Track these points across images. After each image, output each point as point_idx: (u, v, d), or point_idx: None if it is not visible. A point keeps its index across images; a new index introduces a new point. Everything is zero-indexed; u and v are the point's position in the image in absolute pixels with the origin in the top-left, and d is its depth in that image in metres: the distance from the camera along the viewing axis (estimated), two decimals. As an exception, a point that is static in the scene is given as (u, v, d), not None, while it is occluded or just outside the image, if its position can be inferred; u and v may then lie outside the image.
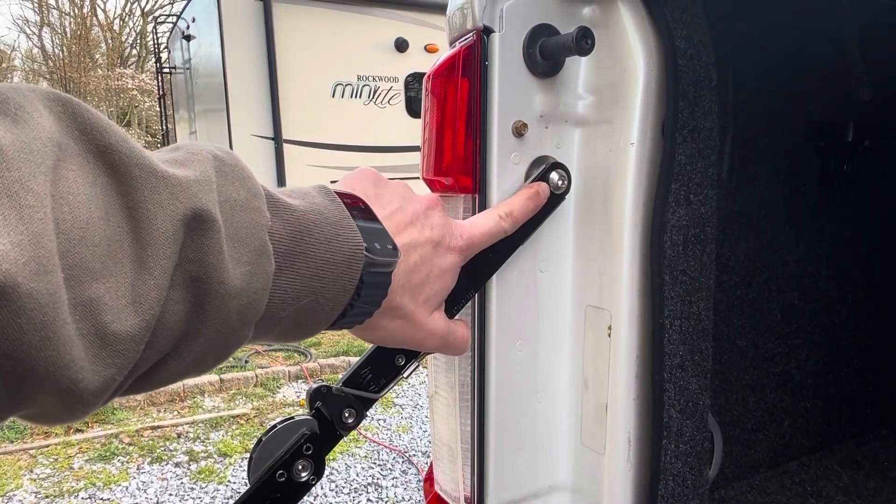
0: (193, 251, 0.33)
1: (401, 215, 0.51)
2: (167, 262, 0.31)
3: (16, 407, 0.28)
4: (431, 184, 0.79)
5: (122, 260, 0.30)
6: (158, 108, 9.00)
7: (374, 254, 0.44)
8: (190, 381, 4.13)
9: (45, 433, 3.60)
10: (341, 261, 0.42)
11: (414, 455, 3.44)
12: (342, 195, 0.45)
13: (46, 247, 0.26)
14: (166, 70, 7.61)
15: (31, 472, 3.33)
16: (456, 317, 0.62)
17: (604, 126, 0.75)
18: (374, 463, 3.37)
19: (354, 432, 3.18)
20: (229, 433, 3.75)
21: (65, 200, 0.28)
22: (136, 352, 0.31)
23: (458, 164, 0.72)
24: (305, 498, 0.70)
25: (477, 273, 0.63)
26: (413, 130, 5.77)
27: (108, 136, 0.31)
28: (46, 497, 3.10)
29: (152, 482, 3.23)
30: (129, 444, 3.62)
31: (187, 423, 3.86)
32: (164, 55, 7.88)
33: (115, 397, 0.33)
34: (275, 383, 4.40)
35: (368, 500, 3.03)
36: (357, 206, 0.46)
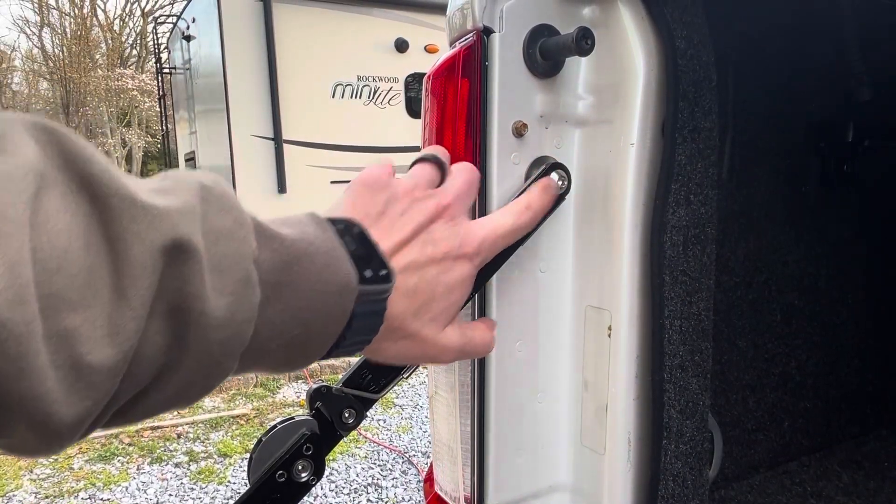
0: (174, 281, 0.32)
1: (399, 234, 0.49)
2: (146, 293, 0.31)
3: None
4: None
5: (101, 290, 0.29)
6: (158, 109, 9.00)
7: (365, 283, 0.42)
8: (190, 382, 4.12)
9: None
10: (332, 292, 0.41)
11: (414, 455, 3.44)
12: (336, 221, 0.44)
13: (22, 276, 0.25)
14: (166, 70, 7.61)
15: (31, 472, 3.33)
16: (456, 317, 0.61)
17: (604, 126, 0.75)
18: (374, 463, 3.37)
19: (354, 433, 3.18)
20: (229, 433, 3.75)
21: (44, 230, 0.27)
22: (112, 384, 0.30)
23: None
24: (305, 498, 0.70)
25: (480, 272, 0.63)
26: (413, 131, 5.77)
27: (92, 165, 0.30)
28: (46, 497, 3.10)
29: (152, 482, 3.23)
30: (129, 445, 3.62)
31: (187, 424, 3.86)
32: (164, 55, 7.88)
33: (94, 430, 0.32)
34: (275, 383, 4.40)
35: (368, 500, 3.03)
36: (351, 232, 0.44)
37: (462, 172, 0.57)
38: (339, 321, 0.42)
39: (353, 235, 0.44)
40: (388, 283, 0.44)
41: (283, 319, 0.39)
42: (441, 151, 0.58)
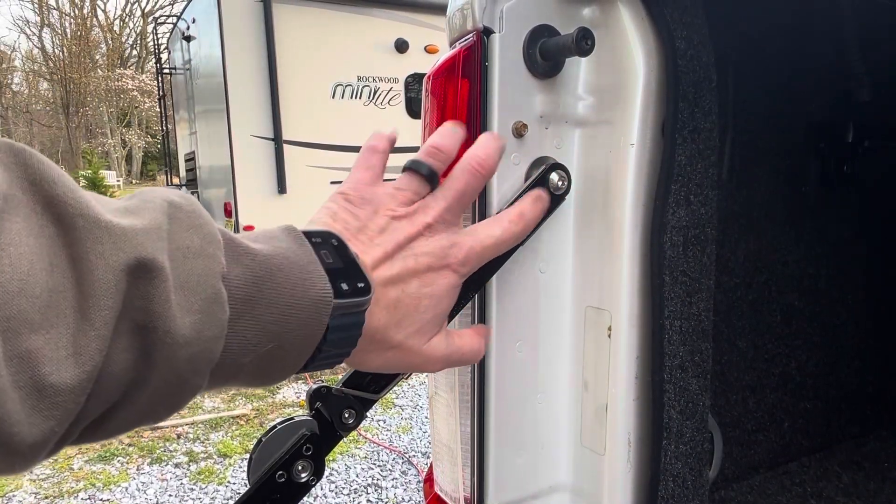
0: (138, 300, 0.32)
1: (379, 250, 0.48)
2: (109, 313, 0.31)
3: None
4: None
5: (65, 311, 0.29)
6: (159, 109, 9.00)
7: (342, 296, 0.42)
8: (190, 382, 4.12)
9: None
10: (305, 305, 0.40)
11: (414, 456, 3.44)
12: (313, 234, 0.44)
13: None
14: (166, 71, 7.61)
15: (31, 472, 3.32)
16: (455, 318, 0.61)
17: (604, 127, 0.75)
18: (374, 464, 3.37)
19: (354, 433, 3.18)
20: (229, 434, 3.75)
21: (6, 253, 0.28)
22: (76, 403, 0.30)
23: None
24: (305, 498, 0.70)
25: (477, 275, 0.63)
26: (413, 131, 5.76)
27: (56, 186, 0.31)
28: (46, 498, 3.10)
29: (152, 483, 3.23)
30: (129, 445, 3.62)
31: (187, 424, 3.86)
32: (164, 56, 7.88)
33: (61, 448, 0.32)
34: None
35: (368, 500, 3.03)
36: (328, 244, 0.44)
37: (460, 178, 0.55)
38: (315, 334, 0.42)
39: (330, 248, 0.44)
40: (366, 295, 0.44)
41: (255, 334, 0.39)
42: (447, 139, 0.55)
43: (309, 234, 0.44)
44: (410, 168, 0.55)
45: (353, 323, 0.44)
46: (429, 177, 0.54)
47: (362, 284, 0.44)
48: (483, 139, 0.58)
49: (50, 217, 0.30)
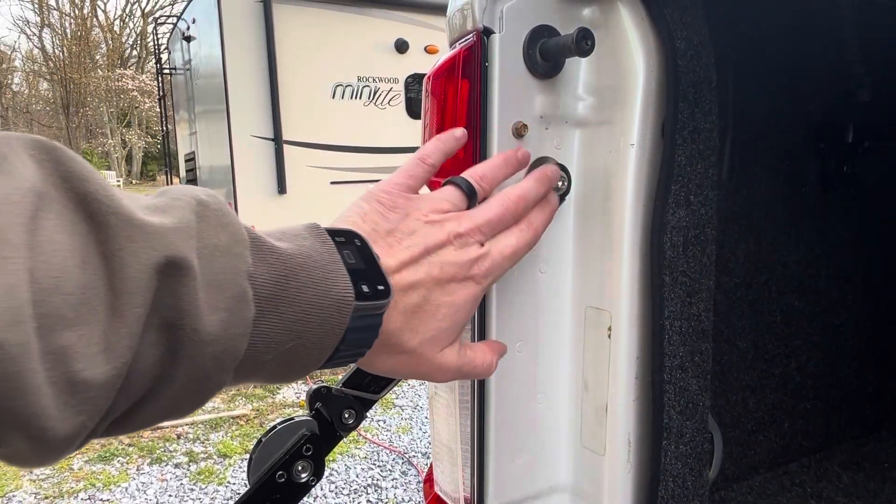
0: (168, 297, 0.33)
1: (406, 253, 0.48)
2: (140, 310, 0.31)
3: None
4: (431, 185, 0.79)
5: (96, 307, 0.30)
6: (159, 109, 9.01)
7: (362, 298, 0.42)
8: (190, 382, 4.12)
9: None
10: (327, 305, 0.41)
11: (414, 456, 3.44)
12: (336, 233, 0.44)
13: (19, 297, 0.26)
14: (166, 71, 7.60)
15: (31, 472, 3.32)
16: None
17: (604, 127, 0.75)
18: (374, 464, 3.37)
19: (354, 433, 3.18)
20: (229, 434, 3.75)
21: (41, 250, 0.28)
22: (107, 398, 0.31)
23: (458, 165, 0.72)
24: (305, 499, 0.70)
25: None
26: (413, 131, 5.77)
27: (89, 184, 0.31)
28: (46, 498, 3.10)
29: (152, 483, 3.23)
30: (129, 445, 3.62)
31: (187, 424, 3.85)
32: (164, 56, 7.88)
33: (88, 441, 0.33)
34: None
35: (368, 501, 3.02)
36: (352, 244, 0.44)
37: (497, 207, 0.55)
38: (335, 334, 0.42)
39: (353, 248, 0.44)
40: (385, 298, 0.44)
41: (278, 332, 0.39)
42: (496, 171, 0.57)
43: (333, 233, 0.44)
44: (453, 182, 0.55)
45: (370, 325, 0.44)
46: (469, 194, 0.55)
47: (382, 287, 0.44)
48: (532, 181, 0.59)
49: (82, 214, 0.31)
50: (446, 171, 0.74)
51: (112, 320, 0.30)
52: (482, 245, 0.53)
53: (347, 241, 0.44)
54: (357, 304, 0.42)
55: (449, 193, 0.54)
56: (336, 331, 0.42)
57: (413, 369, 0.51)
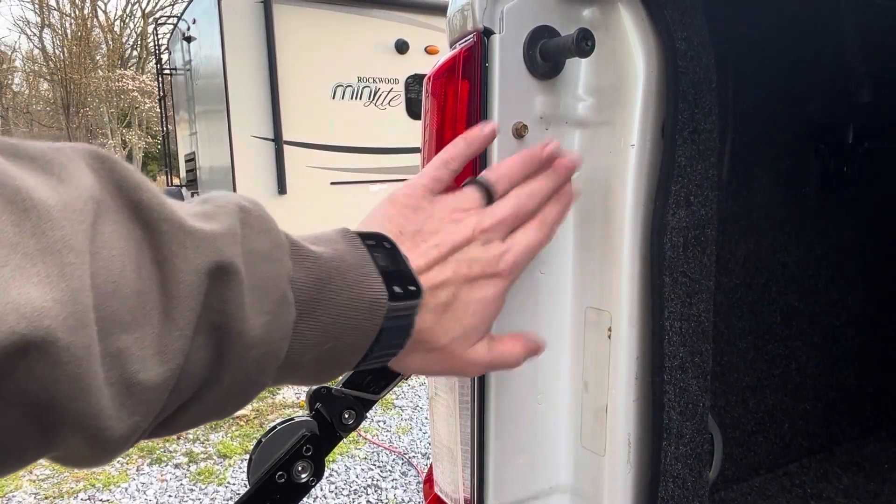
0: (216, 301, 0.34)
1: (434, 252, 0.49)
2: (191, 314, 0.32)
3: (45, 450, 0.29)
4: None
5: (150, 311, 0.31)
6: (159, 110, 9.01)
7: (395, 299, 0.43)
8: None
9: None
10: (362, 307, 0.42)
11: (414, 457, 3.44)
12: (366, 236, 0.45)
13: (84, 302, 0.27)
14: (167, 71, 7.61)
15: (31, 472, 3.32)
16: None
17: (604, 128, 0.75)
18: (374, 464, 3.37)
19: (354, 434, 3.18)
20: (229, 434, 3.75)
21: (100, 255, 0.29)
22: (160, 400, 0.32)
23: (459, 165, 0.72)
24: (305, 499, 0.70)
25: None
26: (413, 132, 5.77)
27: (142, 192, 0.32)
28: (46, 498, 3.10)
29: (152, 483, 3.23)
30: (129, 446, 3.62)
31: (187, 425, 3.85)
32: (164, 56, 7.89)
33: (139, 441, 0.34)
34: (275, 384, 4.39)
35: (368, 501, 3.02)
36: (382, 247, 0.46)
37: (518, 197, 0.56)
38: (369, 335, 0.43)
39: (383, 251, 0.45)
40: (417, 298, 0.45)
41: (315, 335, 0.40)
42: (507, 170, 0.57)
43: (363, 237, 0.45)
44: (473, 182, 0.56)
45: (404, 325, 0.45)
46: (489, 193, 0.55)
47: (413, 287, 0.45)
48: (542, 177, 0.59)
49: (136, 221, 0.32)
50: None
51: (165, 323, 0.31)
52: (503, 241, 0.54)
53: (377, 244, 0.45)
54: (390, 304, 0.43)
55: (470, 192, 0.55)
56: (371, 332, 0.43)
57: (445, 366, 0.52)
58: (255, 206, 0.39)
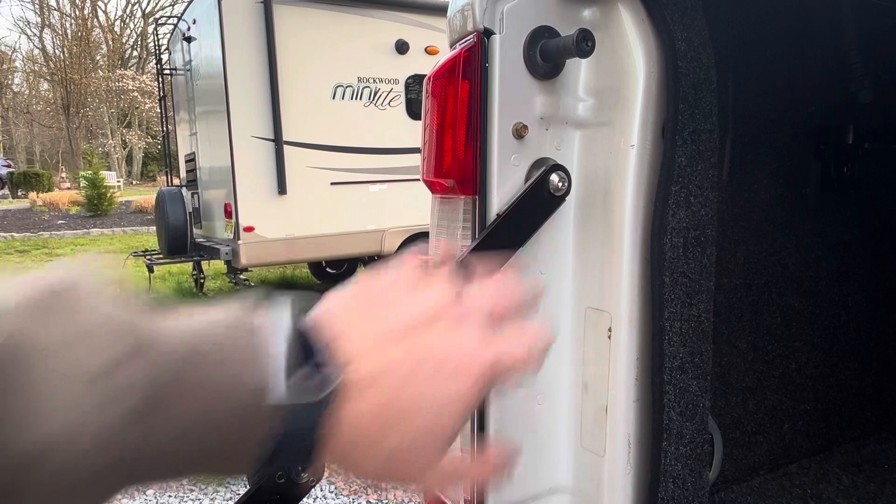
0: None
1: (381, 326, 0.39)
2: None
3: None
4: (432, 185, 0.79)
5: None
6: (159, 110, 9.01)
7: (293, 396, 0.35)
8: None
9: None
10: (232, 408, 0.35)
11: (413, 457, 3.43)
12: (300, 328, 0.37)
13: None
14: (167, 72, 7.61)
15: (31, 473, 3.32)
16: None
17: (604, 128, 0.75)
18: (374, 465, 3.37)
19: (354, 434, 3.17)
20: (229, 435, 3.75)
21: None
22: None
23: (459, 165, 0.72)
24: (305, 500, 0.70)
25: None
26: (413, 132, 5.77)
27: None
28: (46, 498, 3.10)
29: (152, 484, 3.22)
30: (129, 446, 3.62)
31: (187, 425, 3.85)
32: (164, 57, 7.88)
33: None
34: (274, 385, 4.40)
35: (368, 502, 3.02)
36: (299, 333, 0.36)
37: (496, 293, 0.44)
38: (250, 440, 0.36)
39: (298, 335, 0.37)
40: (323, 402, 0.36)
41: (172, 439, 0.33)
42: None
43: (298, 332, 0.37)
44: (460, 261, 0.47)
45: (309, 427, 0.37)
46: (467, 272, 0.44)
47: (328, 385, 0.36)
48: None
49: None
50: (448, 172, 0.74)
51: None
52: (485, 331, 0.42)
53: (297, 336, 0.36)
54: (286, 404, 0.35)
55: (446, 271, 0.44)
56: (252, 437, 0.36)
57: (397, 476, 0.43)
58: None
